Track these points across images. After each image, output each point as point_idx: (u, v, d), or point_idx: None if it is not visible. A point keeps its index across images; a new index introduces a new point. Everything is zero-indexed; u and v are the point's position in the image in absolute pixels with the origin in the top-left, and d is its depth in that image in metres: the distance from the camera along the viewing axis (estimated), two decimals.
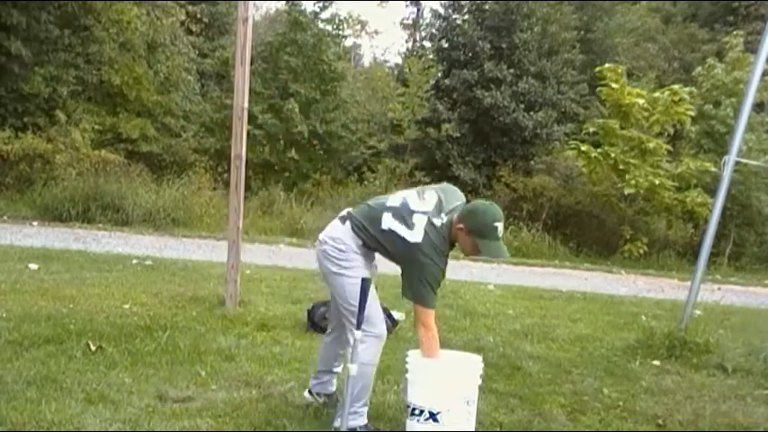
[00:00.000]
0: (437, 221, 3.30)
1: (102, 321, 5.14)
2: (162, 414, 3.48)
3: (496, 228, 3.24)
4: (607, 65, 14.56)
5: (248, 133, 7.51)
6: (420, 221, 3.28)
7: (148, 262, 8.28)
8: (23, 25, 13.24)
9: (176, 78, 15.80)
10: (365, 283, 3.14)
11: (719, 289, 9.62)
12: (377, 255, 3.48)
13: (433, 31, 20.60)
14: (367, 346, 3.28)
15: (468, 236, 3.26)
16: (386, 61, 27.61)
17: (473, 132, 16.97)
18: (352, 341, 3.17)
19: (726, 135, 13.40)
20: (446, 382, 3.29)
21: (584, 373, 4.90)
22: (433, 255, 3.26)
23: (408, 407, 3.36)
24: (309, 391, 3.77)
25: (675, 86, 14.12)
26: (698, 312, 6.34)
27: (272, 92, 16.50)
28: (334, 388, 3.77)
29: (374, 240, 3.38)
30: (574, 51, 18.16)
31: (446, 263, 3.33)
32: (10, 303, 5.47)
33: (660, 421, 4.00)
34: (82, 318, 5.16)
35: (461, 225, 3.28)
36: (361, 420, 3.41)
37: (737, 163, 5.84)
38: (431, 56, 19.26)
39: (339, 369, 3.76)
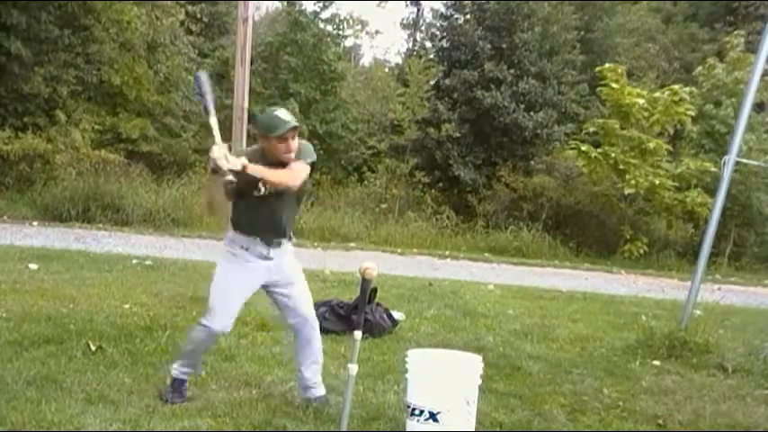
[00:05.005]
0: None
1: (102, 321, 5.14)
2: (162, 414, 3.48)
3: (276, 116, 3.57)
4: (607, 65, 14.55)
5: (248, 133, 7.52)
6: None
7: (148, 262, 8.28)
8: (23, 25, 13.21)
9: (176, 78, 15.77)
10: (365, 284, 3.13)
11: (719, 289, 9.63)
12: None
13: (434, 31, 20.55)
14: (197, 330, 3.65)
15: (267, 140, 3.58)
16: (386, 61, 27.52)
17: (473, 132, 16.93)
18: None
19: (726, 135, 13.38)
20: (446, 382, 3.29)
21: (584, 373, 4.90)
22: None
23: (408, 407, 3.36)
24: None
25: (676, 86, 14.11)
26: (698, 312, 6.34)
27: (272, 92, 16.48)
28: (306, 393, 3.81)
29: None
30: (574, 52, 18.13)
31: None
32: (10, 303, 5.47)
33: (660, 421, 4.00)
34: (82, 318, 5.17)
35: (261, 135, 3.63)
36: (176, 374, 3.69)
37: (737, 163, 5.85)
38: (431, 56, 19.21)
39: (303, 372, 3.81)
